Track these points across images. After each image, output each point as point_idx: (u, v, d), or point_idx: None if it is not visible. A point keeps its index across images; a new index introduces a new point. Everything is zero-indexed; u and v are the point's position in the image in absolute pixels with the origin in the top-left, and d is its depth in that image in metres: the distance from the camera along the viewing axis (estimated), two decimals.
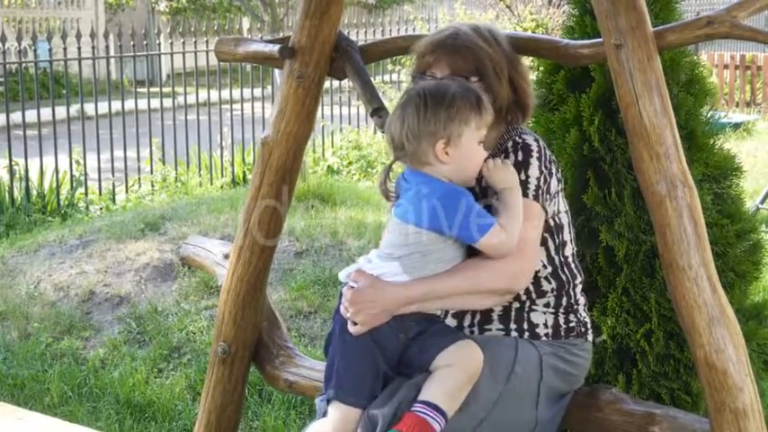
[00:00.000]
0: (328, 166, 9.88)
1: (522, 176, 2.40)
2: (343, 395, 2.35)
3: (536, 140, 2.49)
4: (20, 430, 3.19)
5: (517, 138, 2.48)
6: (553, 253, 2.50)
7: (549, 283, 2.50)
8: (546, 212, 2.45)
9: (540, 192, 2.42)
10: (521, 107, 2.56)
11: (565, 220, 2.54)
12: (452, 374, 2.29)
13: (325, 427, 2.36)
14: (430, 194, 2.31)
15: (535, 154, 2.44)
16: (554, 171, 2.49)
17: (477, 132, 2.35)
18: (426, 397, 2.27)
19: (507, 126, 2.55)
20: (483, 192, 2.46)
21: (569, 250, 2.55)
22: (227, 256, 3.33)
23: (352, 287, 2.39)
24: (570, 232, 2.57)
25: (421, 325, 2.37)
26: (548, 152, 2.49)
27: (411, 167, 2.39)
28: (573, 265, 2.56)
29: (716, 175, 3.25)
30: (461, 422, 2.35)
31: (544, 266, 2.48)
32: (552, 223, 2.49)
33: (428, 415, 2.24)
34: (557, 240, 2.51)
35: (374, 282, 2.36)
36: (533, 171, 2.42)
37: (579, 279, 2.58)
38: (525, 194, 2.39)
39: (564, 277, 2.52)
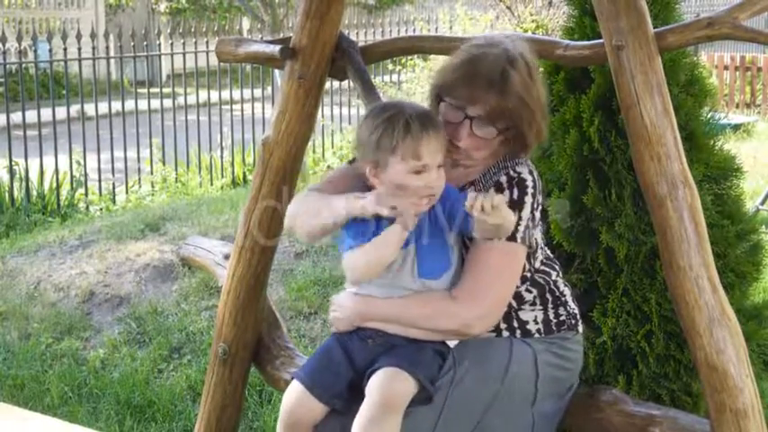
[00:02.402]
0: (328, 167, 9.89)
1: (515, 217, 2.34)
2: (297, 374, 2.43)
3: (530, 172, 2.42)
4: (20, 431, 3.19)
5: (512, 171, 2.41)
6: (525, 271, 2.46)
7: (531, 292, 2.49)
8: (530, 246, 2.42)
9: (528, 230, 2.39)
10: (537, 142, 2.48)
11: (538, 235, 2.50)
12: (366, 406, 2.28)
13: (283, 400, 2.43)
14: None
15: (530, 190, 2.40)
16: (541, 200, 2.45)
17: (406, 163, 2.25)
18: None
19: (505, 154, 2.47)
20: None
21: (539, 259, 2.52)
22: (227, 257, 3.33)
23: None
24: (541, 243, 2.53)
25: (384, 338, 2.39)
26: (539, 182, 2.44)
27: None
28: (544, 266, 2.53)
29: (716, 175, 3.25)
30: (456, 426, 2.35)
31: (520, 283, 2.46)
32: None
33: None
34: (531, 259, 2.48)
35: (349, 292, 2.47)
36: (526, 211, 2.38)
37: (555, 273, 2.55)
38: (513, 238, 2.35)
39: (541, 281, 2.51)
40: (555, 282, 2.54)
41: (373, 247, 2.28)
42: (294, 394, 2.40)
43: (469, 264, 2.37)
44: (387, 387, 2.27)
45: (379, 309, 2.38)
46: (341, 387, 2.37)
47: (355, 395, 2.34)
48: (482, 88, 2.35)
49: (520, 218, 2.36)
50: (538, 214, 2.44)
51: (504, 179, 2.40)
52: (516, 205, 2.37)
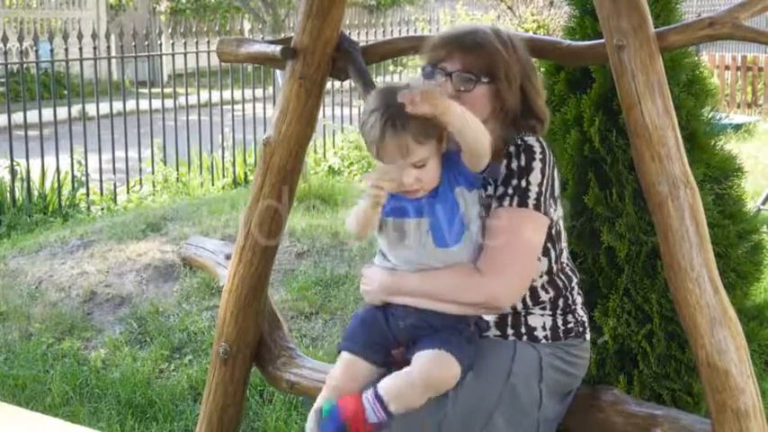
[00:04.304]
0: (329, 167, 9.88)
1: (523, 183, 2.35)
2: (343, 345, 2.42)
3: (538, 141, 2.42)
4: (21, 431, 3.19)
5: (519, 140, 2.42)
6: (553, 262, 2.46)
7: (547, 292, 2.48)
8: (551, 220, 2.40)
9: (543, 198, 2.36)
10: (536, 119, 2.49)
11: (562, 225, 2.51)
12: (410, 376, 2.29)
13: (334, 372, 2.42)
14: None
15: (538, 156, 2.38)
16: (556, 175, 2.44)
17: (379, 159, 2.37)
18: (379, 387, 2.31)
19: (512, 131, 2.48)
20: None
21: (565, 256, 2.53)
22: (228, 257, 3.33)
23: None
24: (565, 238, 2.54)
25: (415, 317, 2.39)
26: (550, 155, 2.43)
27: None
28: (568, 269, 2.53)
29: (717, 175, 3.26)
30: (462, 427, 2.35)
31: (541, 276, 2.45)
32: (554, 231, 2.45)
33: (370, 404, 2.29)
34: (557, 249, 2.47)
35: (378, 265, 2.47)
36: (535, 176, 2.36)
37: (575, 281, 2.55)
38: (525, 204, 2.34)
39: (561, 283, 2.50)
40: (572, 290, 2.53)
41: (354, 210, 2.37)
42: (340, 362, 2.40)
43: (488, 236, 2.36)
44: (433, 368, 2.28)
45: (407, 282, 2.38)
46: (387, 345, 2.39)
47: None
48: (456, 45, 2.46)
49: (529, 182, 2.35)
50: (557, 187, 2.44)
51: (512, 149, 2.41)
52: (525, 171, 2.36)
